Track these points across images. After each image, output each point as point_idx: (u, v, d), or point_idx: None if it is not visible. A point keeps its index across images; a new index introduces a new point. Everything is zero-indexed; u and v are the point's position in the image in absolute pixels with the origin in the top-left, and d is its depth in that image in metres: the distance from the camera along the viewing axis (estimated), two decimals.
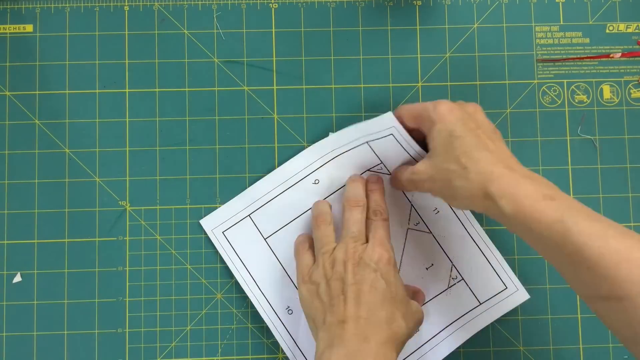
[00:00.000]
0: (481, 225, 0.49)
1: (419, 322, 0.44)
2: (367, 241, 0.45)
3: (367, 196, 0.47)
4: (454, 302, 0.49)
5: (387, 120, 0.46)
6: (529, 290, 0.49)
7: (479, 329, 0.48)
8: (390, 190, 0.49)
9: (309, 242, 0.47)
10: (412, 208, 0.49)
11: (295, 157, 0.50)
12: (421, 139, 0.46)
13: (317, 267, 0.44)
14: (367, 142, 0.48)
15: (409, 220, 0.49)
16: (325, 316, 0.41)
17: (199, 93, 0.51)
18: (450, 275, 0.49)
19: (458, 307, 0.49)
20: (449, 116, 0.42)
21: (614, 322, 0.36)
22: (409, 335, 0.42)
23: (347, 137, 0.48)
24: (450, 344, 0.48)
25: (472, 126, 0.41)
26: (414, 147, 0.46)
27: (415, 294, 0.48)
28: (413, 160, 0.47)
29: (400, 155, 0.48)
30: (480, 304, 0.49)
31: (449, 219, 0.49)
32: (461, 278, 0.49)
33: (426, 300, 0.49)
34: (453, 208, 0.49)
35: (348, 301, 0.40)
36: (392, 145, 0.47)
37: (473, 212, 0.49)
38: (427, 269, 0.49)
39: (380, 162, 0.48)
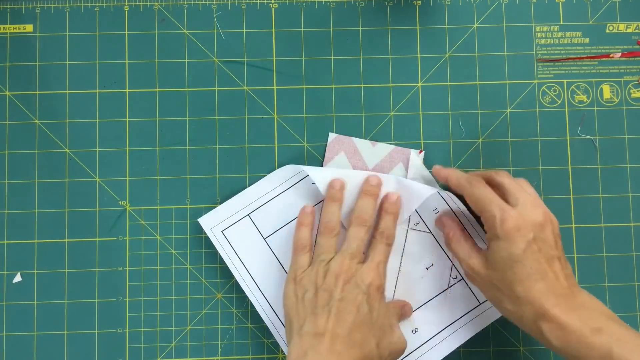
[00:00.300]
0: (481, 226, 0.49)
1: (396, 353, 0.44)
2: (364, 259, 0.45)
3: (379, 215, 0.47)
4: (454, 301, 0.49)
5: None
6: None
7: (479, 329, 0.48)
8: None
9: (310, 243, 0.47)
10: None
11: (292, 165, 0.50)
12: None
13: (311, 272, 0.44)
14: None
15: (409, 220, 0.49)
16: (304, 323, 0.42)
17: (199, 93, 0.51)
18: (450, 275, 0.49)
19: (458, 306, 0.49)
20: (515, 236, 0.41)
21: None
22: None
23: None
24: (450, 344, 0.48)
25: (535, 248, 0.41)
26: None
27: (402, 308, 0.48)
28: (476, 232, 0.48)
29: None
30: (480, 303, 0.49)
31: None
32: (461, 278, 0.49)
33: (426, 300, 0.49)
34: (452, 208, 0.49)
35: (331, 316, 0.41)
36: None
37: (472, 213, 0.49)
38: (427, 269, 0.49)
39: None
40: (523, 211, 0.42)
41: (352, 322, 0.41)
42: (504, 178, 0.45)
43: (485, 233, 0.44)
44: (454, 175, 0.46)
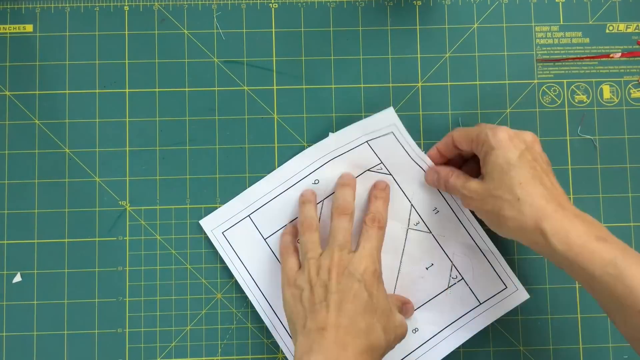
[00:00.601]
0: (481, 225, 0.49)
1: (400, 336, 0.44)
2: (355, 247, 0.45)
3: (369, 201, 0.48)
4: (454, 301, 0.49)
5: (388, 116, 0.47)
6: (528, 290, 0.49)
7: (479, 329, 0.48)
8: (390, 191, 0.49)
9: (293, 245, 0.47)
10: (412, 208, 0.49)
11: (295, 157, 0.50)
12: (470, 162, 0.48)
13: (303, 272, 0.44)
14: (367, 141, 0.48)
15: (409, 220, 0.49)
16: (305, 321, 0.42)
17: (199, 93, 0.51)
18: (451, 275, 0.49)
19: (458, 306, 0.49)
20: (509, 144, 0.42)
21: None
22: (388, 347, 0.43)
23: (348, 136, 0.49)
24: (450, 343, 0.48)
25: (529, 157, 0.42)
26: (413, 148, 0.48)
27: (404, 305, 0.48)
28: (472, 167, 0.47)
29: (400, 156, 0.48)
30: (481, 303, 0.49)
31: (449, 218, 0.49)
32: (461, 278, 0.49)
33: (426, 300, 0.49)
34: (452, 208, 0.49)
35: (330, 309, 0.41)
36: (392, 144, 0.48)
37: (472, 212, 0.49)
38: (427, 268, 0.49)
39: (380, 161, 0.49)
40: (512, 130, 0.43)
41: (353, 311, 0.41)
42: (480, 130, 0.45)
43: (480, 162, 0.44)
44: (440, 145, 0.48)
